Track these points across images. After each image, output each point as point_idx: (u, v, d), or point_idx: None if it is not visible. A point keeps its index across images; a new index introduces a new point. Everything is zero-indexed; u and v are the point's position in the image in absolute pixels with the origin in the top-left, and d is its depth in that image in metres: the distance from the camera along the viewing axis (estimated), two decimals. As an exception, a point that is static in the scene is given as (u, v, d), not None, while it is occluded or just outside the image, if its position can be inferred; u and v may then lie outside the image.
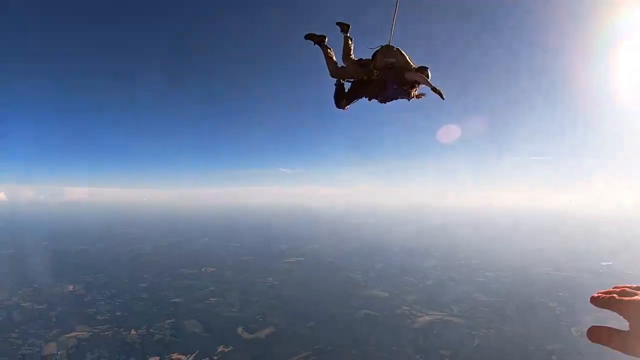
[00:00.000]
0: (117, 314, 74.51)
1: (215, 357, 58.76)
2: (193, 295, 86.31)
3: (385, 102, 9.94)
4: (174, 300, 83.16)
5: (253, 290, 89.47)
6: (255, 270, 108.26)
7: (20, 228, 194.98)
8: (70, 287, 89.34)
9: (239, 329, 68.10)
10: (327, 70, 10.15)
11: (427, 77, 9.62)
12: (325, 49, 10.30)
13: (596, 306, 1.83)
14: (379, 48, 9.93)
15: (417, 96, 9.85)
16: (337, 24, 10.54)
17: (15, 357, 57.58)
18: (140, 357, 58.63)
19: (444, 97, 9.17)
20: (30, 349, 60.33)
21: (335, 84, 10.41)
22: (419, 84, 9.74)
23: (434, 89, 9.17)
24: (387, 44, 9.90)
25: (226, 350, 60.85)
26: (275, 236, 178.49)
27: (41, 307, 76.85)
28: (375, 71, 9.81)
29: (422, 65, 9.93)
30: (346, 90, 10.27)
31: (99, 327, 68.55)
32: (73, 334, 65.53)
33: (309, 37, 10.38)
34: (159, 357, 58.40)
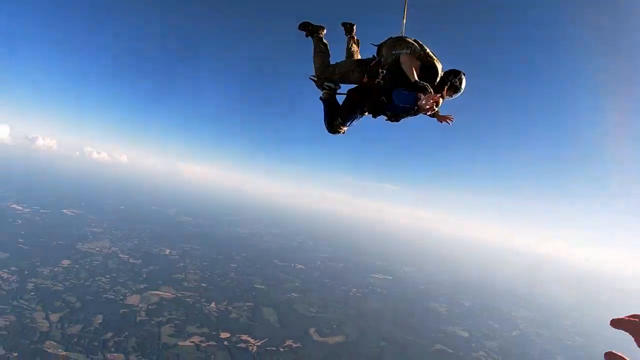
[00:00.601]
0: (203, 284, 79.42)
1: (282, 349, 59.34)
2: (278, 286, 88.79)
3: (397, 120, 7.45)
4: (258, 286, 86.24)
5: (334, 296, 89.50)
6: (341, 278, 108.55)
7: (136, 192, 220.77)
8: (167, 251, 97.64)
9: (312, 330, 68.23)
10: (313, 68, 8.03)
11: (458, 87, 7.21)
12: (318, 42, 8.14)
13: (615, 328, 1.86)
14: (385, 40, 7.55)
15: (441, 118, 7.19)
16: (342, 24, 8.48)
17: (99, 299, 64.09)
18: (212, 329, 61.40)
19: (448, 121, 7.15)
20: (113, 295, 66.51)
21: (321, 98, 8.00)
22: (437, 95, 6.86)
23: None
24: (399, 35, 7.49)
25: (294, 345, 61.09)
26: (368, 250, 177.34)
27: (136, 262, 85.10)
28: (380, 71, 7.33)
29: (454, 69, 7.37)
30: (340, 106, 7.88)
31: (183, 292, 73.65)
32: (158, 292, 71.16)
33: (303, 26, 8.30)
34: (229, 334, 60.76)
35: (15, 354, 45.62)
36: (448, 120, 7.06)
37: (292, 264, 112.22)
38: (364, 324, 75.16)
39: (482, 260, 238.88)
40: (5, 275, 64.95)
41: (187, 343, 56.29)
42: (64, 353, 47.88)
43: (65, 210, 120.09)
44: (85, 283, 68.27)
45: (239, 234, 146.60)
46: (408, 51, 7.02)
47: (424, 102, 6.51)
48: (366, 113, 7.67)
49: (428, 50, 7.06)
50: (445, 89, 7.08)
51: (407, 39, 7.19)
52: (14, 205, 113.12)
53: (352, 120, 7.77)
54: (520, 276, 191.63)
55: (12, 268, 68.07)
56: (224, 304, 71.91)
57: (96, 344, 50.90)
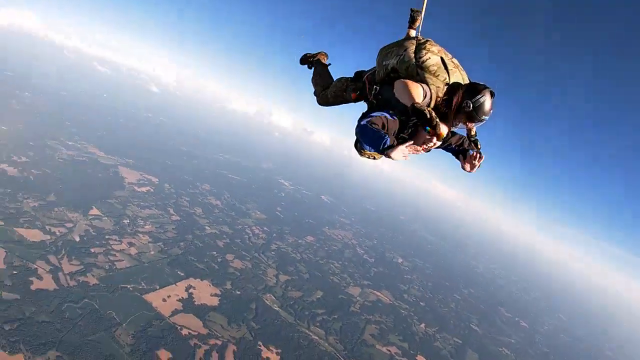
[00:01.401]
0: (421, 303, 78.64)
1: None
2: (492, 335, 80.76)
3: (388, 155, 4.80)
4: (473, 326, 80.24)
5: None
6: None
7: (389, 198, 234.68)
8: (400, 260, 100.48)
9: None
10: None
11: (472, 115, 4.66)
12: (317, 65, 7.25)
13: None
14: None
15: (467, 159, 5.14)
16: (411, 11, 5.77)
17: (325, 278, 70.57)
18: (412, 347, 60.30)
19: (473, 164, 5.07)
20: (338, 280, 72.81)
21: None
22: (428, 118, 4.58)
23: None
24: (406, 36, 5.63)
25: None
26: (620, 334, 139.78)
27: (369, 259, 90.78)
28: (373, 88, 5.60)
29: (472, 83, 4.88)
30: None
31: (400, 302, 74.51)
32: (377, 293, 73.97)
33: (302, 61, 7.51)
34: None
35: (238, 292, 56.48)
36: (469, 166, 5.15)
37: (516, 319, 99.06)
38: None
39: None
40: (257, 231, 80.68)
41: (384, 349, 57.09)
42: (278, 309, 56.01)
43: (323, 197, 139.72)
44: (320, 261, 77.78)
45: (473, 267, 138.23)
46: (394, 62, 5.27)
47: (392, 153, 4.55)
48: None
49: (427, 57, 5.01)
50: (452, 115, 4.84)
51: (404, 43, 5.33)
52: (282, 181, 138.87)
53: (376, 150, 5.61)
54: None
55: (265, 228, 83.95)
56: (433, 329, 69.32)
57: (307, 313, 57.27)
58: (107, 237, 56.44)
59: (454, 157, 5.41)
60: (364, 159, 5.79)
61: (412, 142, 4.62)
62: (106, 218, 61.53)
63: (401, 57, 5.14)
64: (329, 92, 6.58)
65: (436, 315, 75.77)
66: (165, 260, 56.66)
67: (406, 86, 4.76)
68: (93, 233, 56.20)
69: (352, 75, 6.29)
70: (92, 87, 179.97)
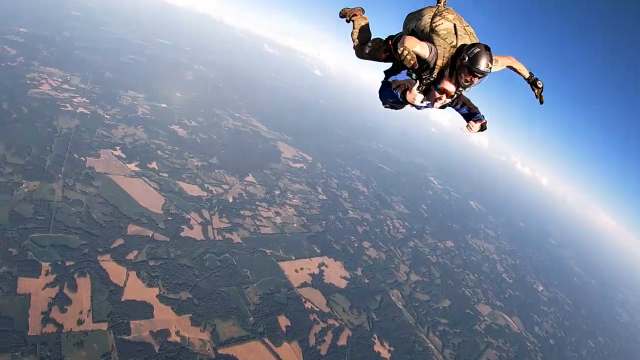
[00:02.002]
0: (551, 341, 71.89)
1: None
2: None
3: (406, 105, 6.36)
4: None
5: None
6: None
7: (537, 216, 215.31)
8: (540, 288, 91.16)
9: None
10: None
11: (470, 67, 5.23)
12: (357, 23, 7.46)
13: None
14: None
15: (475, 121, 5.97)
16: None
17: (457, 290, 68.05)
18: None
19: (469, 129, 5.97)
20: (470, 294, 70.20)
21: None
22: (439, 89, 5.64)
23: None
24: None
25: None
26: None
27: (507, 279, 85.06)
28: (402, 51, 5.14)
29: (478, 42, 5.53)
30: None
31: (529, 333, 69.21)
32: (507, 317, 69.36)
33: (342, 14, 7.82)
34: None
35: (367, 281, 57.86)
36: (469, 128, 5.94)
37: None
38: None
39: None
40: (398, 225, 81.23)
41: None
42: (401, 307, 56.02)
43: (472, 202, 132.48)
44: (455, 269, 75.28)
45: (617, 315, 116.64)
46: (414, 25, 6.08)
47: (408, 96, 5.82)
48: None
49: (440, 22, 5.77)
50: (457, 73, 5.39)
51: (425, 10, 6.11)
52: (432, 179, 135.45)
53: (395, 101, 6.48)
54: None
55: (406, 223, 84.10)
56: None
57: (429, 319, 56.64)
58: (257, 203, 63.40)
59: (465, 120, 6.10)
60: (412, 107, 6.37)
61: (417, 84, 5.66)
62: (259, 186, 68.97)
63: (420, 21, 5.92)
64: (366, 48, 7.15)
65: (562, 359, 68.14)
66: (306, 234, 61.12)
67: (405, 38, 5.26)
68: (245, 197, 63.67)
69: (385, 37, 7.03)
70: (261, 66, 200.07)
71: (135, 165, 58.77)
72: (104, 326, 33.76)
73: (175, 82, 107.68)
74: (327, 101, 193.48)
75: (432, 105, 5.78)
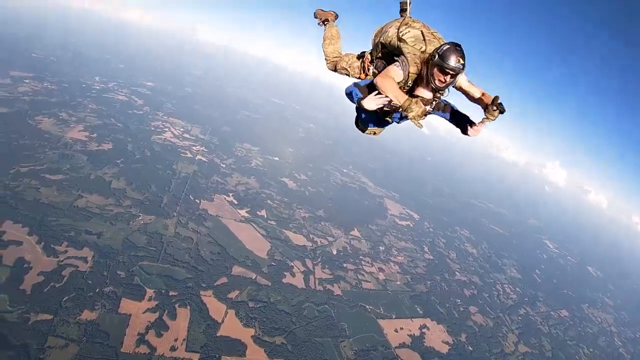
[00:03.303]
0: None
1: None
2: None
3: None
4: None
5: None
6: None
7: None
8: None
9: None
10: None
11: (441, 66, 5.14)
12: (328, 28, 7.78)
13: None
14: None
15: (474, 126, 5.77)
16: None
17: None
18: None
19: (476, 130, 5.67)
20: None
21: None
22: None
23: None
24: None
25: None
26: None
27: (625, 355, 71.48)
28: (372, 62, 6.47)
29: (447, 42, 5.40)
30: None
31: None
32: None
33: (316, 15, 8.16)
34: None
35: (470, 349, 53.28)
36: (475, 131, 5.76)
37: None
38: None
39: None
40: (508, 290, 75.22)
41: None
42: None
43: (590, 268, 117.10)
44: (568, 342, 66.03)
45: None
46: (382, 38, 6.14)
47: (364, 103, 5.66)
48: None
49: (406, 31, 5.79)
50: (430, 75, 5.37)
51: (391, 22, 6.24)
52: (547, 241, 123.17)
53: (378, 123, 6.53)
54: None
55: (517, 289, 77.40)
56: None
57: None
58: (360, 257, 63.18)
59: (456, 127, 6.00)
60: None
61: (376, 92, 5.51)
62: (364, 241, 69.33)
63: (387, 33, 5.98)
64: (338, 63, 7.19)
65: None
66: (408, 293, 59.01)
67: (380, 83, 5.44)
68: (349, 251, 63.98)
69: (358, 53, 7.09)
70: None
71: (246, 212, 63.17)
72: (195, 356, 35.04)
73: (287, 138, 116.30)
74: (435, 158, 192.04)
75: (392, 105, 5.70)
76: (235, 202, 65.28)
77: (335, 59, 7.31)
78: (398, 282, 61.26)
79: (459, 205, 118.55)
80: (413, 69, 5.51)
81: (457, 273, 72.87)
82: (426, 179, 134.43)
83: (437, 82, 5.31)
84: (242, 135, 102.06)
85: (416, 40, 5.61)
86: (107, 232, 46.40)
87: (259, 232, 59.26)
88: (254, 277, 48.44)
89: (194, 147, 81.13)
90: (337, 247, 63.89)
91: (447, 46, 5.09)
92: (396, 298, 56.99)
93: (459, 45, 5.12)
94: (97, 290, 37.71)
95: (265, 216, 64.57)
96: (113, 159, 63.93)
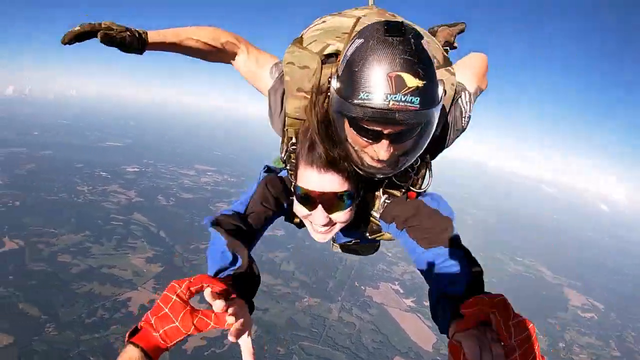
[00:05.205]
0: None
1: None
2: None
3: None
4: None
5: None
6: None
7: None
8: None
9: None
10: None
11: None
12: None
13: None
14: None
15: None
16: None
17: None
18: None
19: None
20: None
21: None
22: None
23: None
24: None
25: None
26: None
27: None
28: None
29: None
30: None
31: None
32: None
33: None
34: None
35: None
36: None
37: None
38: None
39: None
40: None
41: None
42: None
43: None
44: None
45: None
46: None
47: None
48: None
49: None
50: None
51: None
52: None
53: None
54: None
55: None
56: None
57: None
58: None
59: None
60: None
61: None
62: (541, 336, 61.18)
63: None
64: None
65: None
66: None
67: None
68: None
69: None
70: (538, 207, 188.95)
71: (411, 301, 60.13)
72: None
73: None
74: (616, 239, 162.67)
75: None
76: (401, 291, 63.31)
77: None
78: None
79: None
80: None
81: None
82: (610, 264, 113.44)
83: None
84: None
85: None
86: (273, 309, 48.25)
87: (425, 323, 55.49)
88: (415, 370, 44.26)
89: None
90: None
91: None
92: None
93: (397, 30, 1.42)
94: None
95: (433, 307, 63.12)
96: (284, 243, 68.50)
